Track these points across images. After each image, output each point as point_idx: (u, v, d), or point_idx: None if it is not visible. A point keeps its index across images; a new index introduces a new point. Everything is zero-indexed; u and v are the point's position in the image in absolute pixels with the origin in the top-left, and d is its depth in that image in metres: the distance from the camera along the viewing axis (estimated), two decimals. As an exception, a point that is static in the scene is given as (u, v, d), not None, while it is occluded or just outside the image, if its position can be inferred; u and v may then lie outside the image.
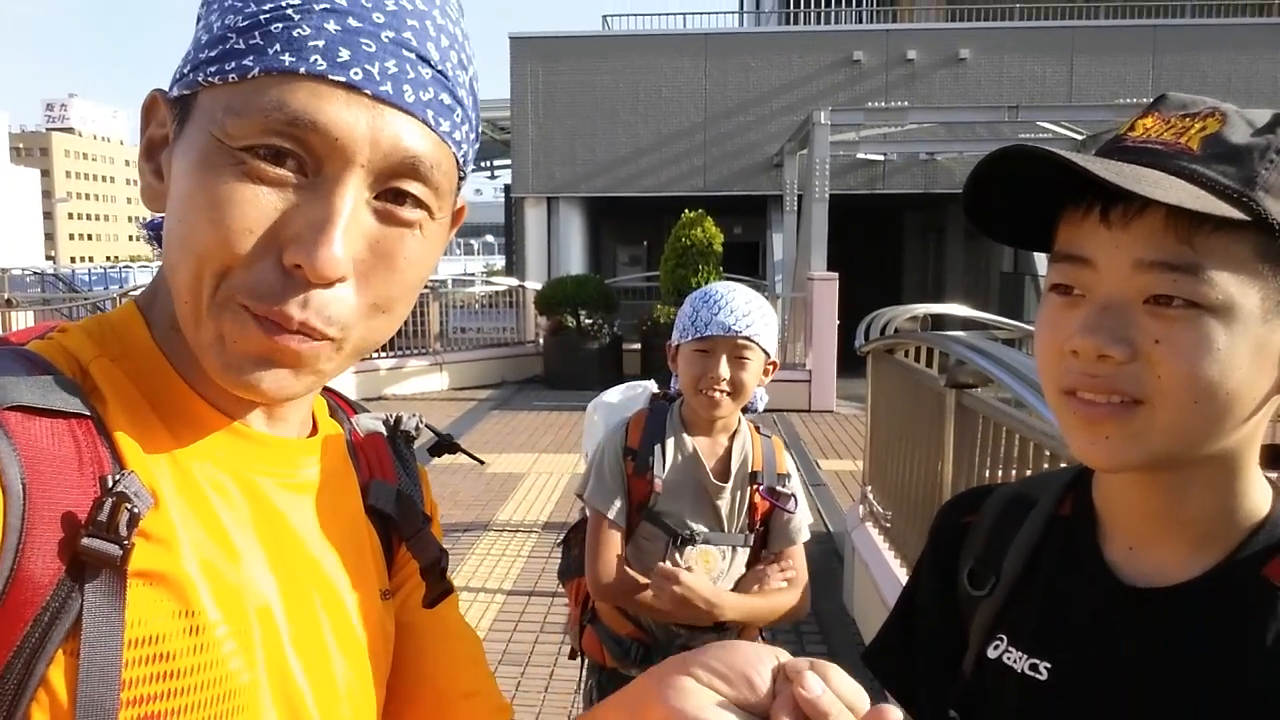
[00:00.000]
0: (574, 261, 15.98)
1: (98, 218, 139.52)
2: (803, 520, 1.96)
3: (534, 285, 13.29)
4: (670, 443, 1.92)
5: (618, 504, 1.91)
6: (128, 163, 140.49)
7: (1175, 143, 0.70)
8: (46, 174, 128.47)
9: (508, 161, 17.32)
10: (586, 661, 2.05)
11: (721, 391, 1.85)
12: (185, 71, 0.61)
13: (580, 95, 15.69)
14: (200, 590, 0.59)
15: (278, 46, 0.57)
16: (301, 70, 0.57)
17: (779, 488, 1.94)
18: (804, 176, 11.76)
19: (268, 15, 0.58)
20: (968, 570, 0.89)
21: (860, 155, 14.64)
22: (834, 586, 4.75)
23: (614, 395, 2.29)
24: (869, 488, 4.61)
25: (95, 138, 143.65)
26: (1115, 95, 14.04)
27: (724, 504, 1.91)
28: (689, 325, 1.89)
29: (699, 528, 1.89)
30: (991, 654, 0.84)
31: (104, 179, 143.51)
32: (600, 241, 18.42)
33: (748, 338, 1.84)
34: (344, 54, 0.57)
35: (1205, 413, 0.69)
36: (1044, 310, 0.76)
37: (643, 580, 1.85)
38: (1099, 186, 0.67)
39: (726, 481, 1.91)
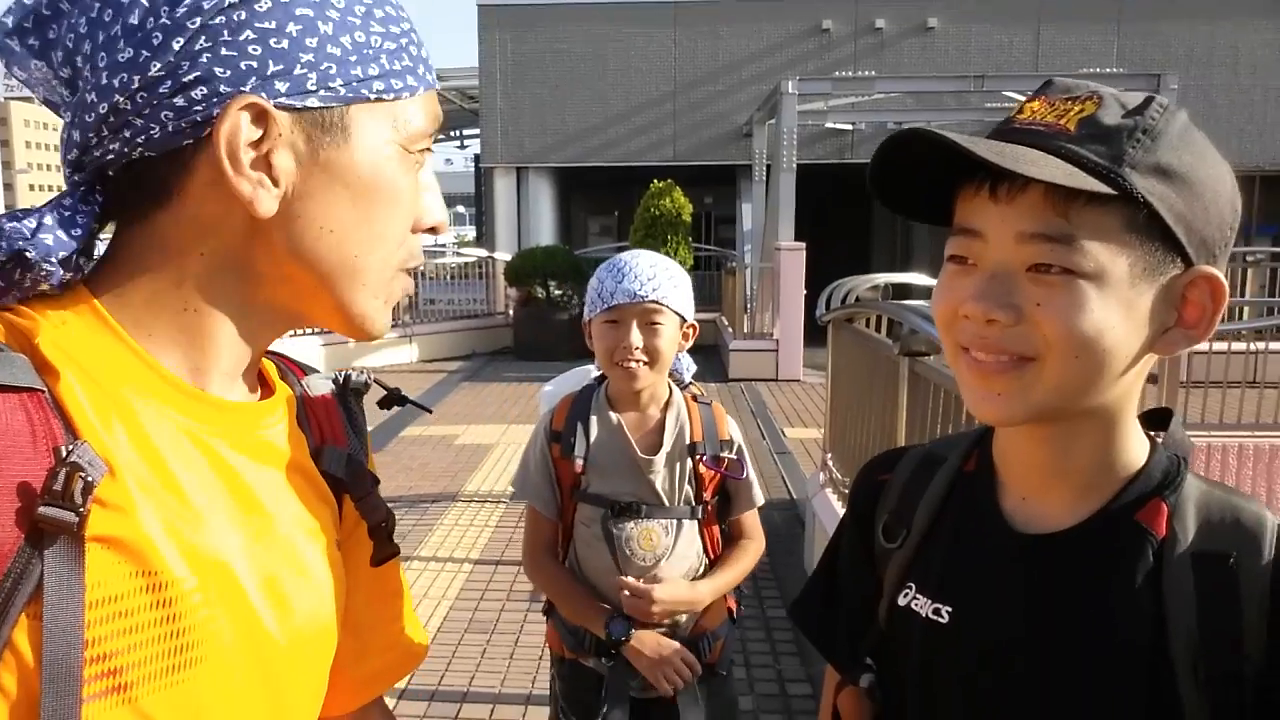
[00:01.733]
0: (544, 232, 15.90)
1: (60, 189, 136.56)
2: (754, 483, 1.95)
3: (503, 256, 13.23)
4: (593, 421, 1.87)
5: (543, 492, 1.90)
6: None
7: (1056, 124, 0.75)
8: (6, 144, 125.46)
9: (477, 131, 17.15)
10: (551, 653, 2.04)
11: (637, 361, 1.79)
12: (331, 85, 0.66)
13: (549, 64, 15.55)
14: (160, 550, 0.62)
15: (421, 69, 0.71)
16: (434, 87, 0.73)
17: (723, 454, 1.88)
18: (773, 146, 11.76)
19: (405, 39, 0.70)
20: (882, 524, 0.95)
21: (829, 125, 14.64)
22: (796, 551, 4.84)
23: (553, 384, 2.20)
24: (829, 454, 4.69)
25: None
26: (1080, 64, 14.12)
27: (659, 478, 1.85)
28: (596, 298, 1.84)
29: (634, 503, 1.85)
30: (901, 601, 0.90)
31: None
32: (570, 212, 18.34)
33: (656, 301, 1.79)
34: (432, 67, 0.74)
35: (1085, 367, 0.75)
36: (941, 277, 0.82)
37: (561, 579, 1.89)
38: (988, 166, 0.73)
39: (656, 454, 1.85)
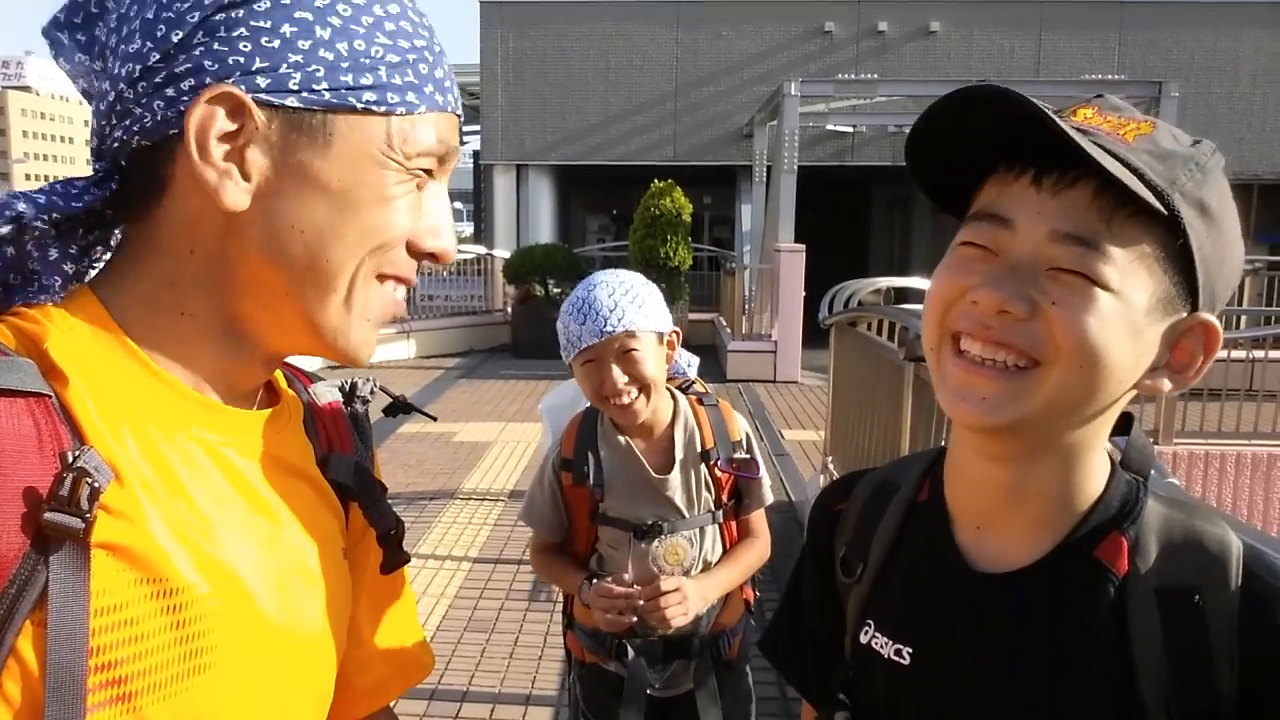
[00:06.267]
0: (543, 230, 15.90)
1: (56, 179, 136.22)
2: (765, 481, 1.93)
3: (502, 254, 13.21)
4: (602, 447, 1.85)
5: (550, 521, 1.92)
6: (86, 123, 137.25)
7: (1114, 133, 0.72)
8: (3, 133, 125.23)
9: (477, 128, 17.13)
10: (572, 658, 2.06)
11: (628, 396, 1.74)
12: (315, 88, 0.65)
13: (551, 62, 15.54)
14: (167, 558, 0.61)
15: (430, 88, 0.69)
16: (448, 110, 0.71)
17: (737, 455, 1.86)
18: (773, 147, 11.76)
19: (414, 55, 0.68)
20: (840, 557, 0.91)
21: (830, 127, 14.65)
22: (794, 553, 4.82)
23: (555, 398, 2.17)
24: (830, 458, 4.70)
25: (54, 97, 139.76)
26: (1082, 71, 14.16)
27: (675, 492, 1.83)
28: (567, 344, 1.78)
29: (657, 521, 1.83)
30: (863, 639, 0.86)
31: (63, 139, 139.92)
32: (570, 210, 18.33)
33: (627, 330, 1.71)
34: (454, 92, 0.73)
35: (1087, 380, 0.71)
36: (949, 258, 0.77)
37: (552, 564, 1.96)
38: (1036, 151, 0.70)
39: (669, 472, 1.83)
